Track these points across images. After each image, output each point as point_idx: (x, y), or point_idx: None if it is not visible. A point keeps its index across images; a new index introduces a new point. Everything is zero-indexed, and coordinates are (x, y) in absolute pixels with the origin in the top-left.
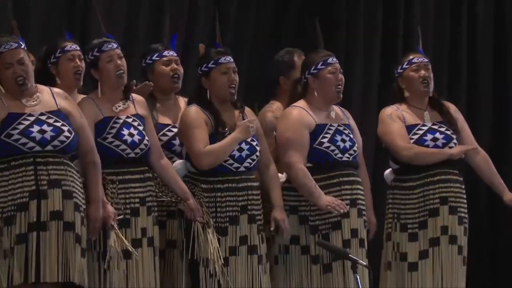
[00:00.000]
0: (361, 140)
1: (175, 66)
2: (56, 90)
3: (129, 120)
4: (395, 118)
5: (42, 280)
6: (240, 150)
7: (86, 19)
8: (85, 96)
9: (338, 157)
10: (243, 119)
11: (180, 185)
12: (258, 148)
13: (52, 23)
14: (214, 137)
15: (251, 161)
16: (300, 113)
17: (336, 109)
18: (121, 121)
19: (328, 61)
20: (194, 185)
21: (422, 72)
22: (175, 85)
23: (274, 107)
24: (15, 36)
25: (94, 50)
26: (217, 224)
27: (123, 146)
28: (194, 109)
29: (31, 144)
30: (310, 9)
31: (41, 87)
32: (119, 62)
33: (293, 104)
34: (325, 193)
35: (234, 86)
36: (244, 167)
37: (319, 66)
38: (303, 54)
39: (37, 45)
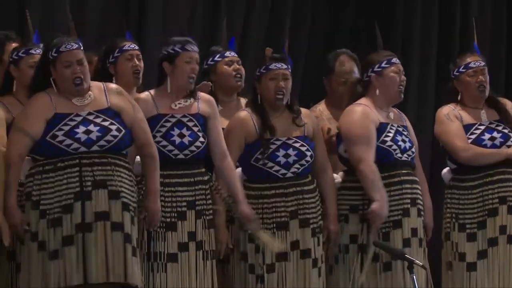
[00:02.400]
0: (417, 142)
1: (237, 66)
2: (110, 86)
3: (185, 119)
4: (453, 118)
5: (89, 281)
6: (287, 156)
7: (142, 19)
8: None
9: (398, 157)
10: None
11: (238, 188)
12: (308, 154)
13: (108, 24)
14: (259, 142)
15: (299, 166)
16: (365, 110)
17: (394, 111)
18: (174, 120)
19: (392, 61)
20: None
21: (480, 77)
22: (238, 84)
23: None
24: (73, 37)
25: (176, 45)
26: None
27: (170, 147)
28: (243, 114)
29: (76, 145)
30: (365, 10)
31: (94, 84)
32: (194, 66)
33: (355, 102)
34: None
35: (281, 92)
36: (292, 172)
37: (383, 65)
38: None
39: (92, 46)
